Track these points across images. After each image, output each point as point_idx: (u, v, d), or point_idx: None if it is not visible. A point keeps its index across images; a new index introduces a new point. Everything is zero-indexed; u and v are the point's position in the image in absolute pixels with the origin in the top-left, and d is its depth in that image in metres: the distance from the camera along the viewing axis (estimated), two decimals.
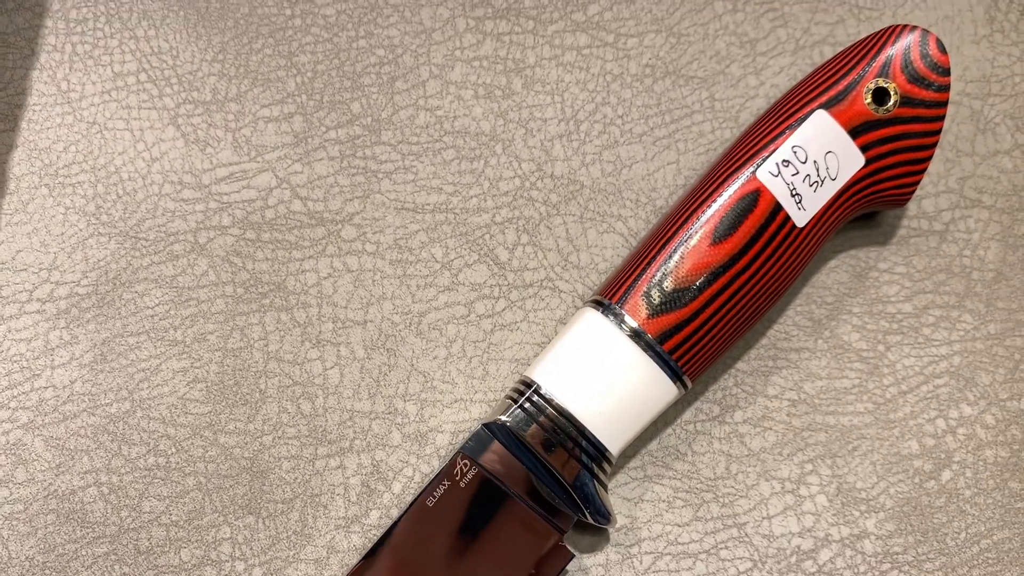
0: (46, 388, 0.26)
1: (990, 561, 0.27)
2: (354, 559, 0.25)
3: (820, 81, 0.28)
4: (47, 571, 0.25)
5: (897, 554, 0.27)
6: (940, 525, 0.27)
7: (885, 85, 0.27)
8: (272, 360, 0.27)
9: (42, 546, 0.25)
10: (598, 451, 0.25)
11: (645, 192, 0.30)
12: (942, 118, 0.28)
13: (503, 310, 0.28)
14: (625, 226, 0.29)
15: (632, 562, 0.26)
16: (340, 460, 0.26)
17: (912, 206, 0.30)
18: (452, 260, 0.28)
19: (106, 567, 0.25)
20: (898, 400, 0.28)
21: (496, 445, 0.26)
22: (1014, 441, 0.28)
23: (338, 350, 0.27)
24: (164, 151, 0.28)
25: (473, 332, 0.28)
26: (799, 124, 0.27)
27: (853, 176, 0.27)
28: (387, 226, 0.28)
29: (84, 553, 0.25)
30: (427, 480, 0.26)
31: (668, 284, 0.26)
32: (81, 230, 0.28)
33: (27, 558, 0.25)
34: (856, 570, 0.27)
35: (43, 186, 0.28)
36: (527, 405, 0.26)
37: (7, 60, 0.29)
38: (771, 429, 0.28)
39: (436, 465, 0.27)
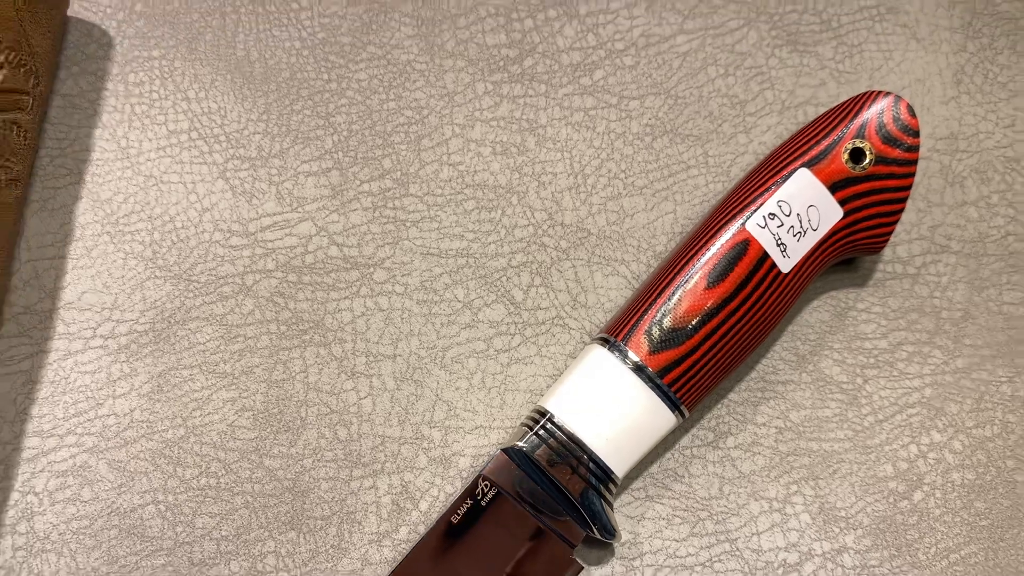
0: (108, 416, 0.29)
1: (958, 573, 0.29)
2: (385, 571, 0.28)
3: (803, 142, 0.30)
4: None
5: (874, 567, 0.29)
6: (912, 541, 0.30)
7: (861, 145, 0.30)
8: (312, 391, 0.30)
9: (106, 558, 0.28)
10: (604, 473, 0.28)
11: (646, 239, 0.32)
12: (913, 174, 0.30)
13: (518, 345, 0.31)
14: (628, 270, 0.32)
15: (635, 574, 0.29)
16: (373, 481, 0.29)
17: (887, 252, 0.32)
18: (472, 300, 0.31)
19: None
20: (875, 428, 0.31)
21: (513, 468, 0.28)
22: (979, 465, 0.30)
23: (371, 381, 0.30)
24: (214, 202, 0.31)
25: (492, 365, 0.30)
26: (784, 181, 0.30)
27: (833, 227, 0.30)
28: (414, 269, 0.31)
29: (144, 564, 0.28)
30: (451, 499, 0.28)
31: (667, 323, 0.28)
32: (139, 273, 0.30)
33: (93, 569, 0.27)
34: None
35: (105, 233, 0.30)
36: (541, 432, 0.28)
37: (72, 120, 0.31)
38: (760, 454, 0.30)
39: (459, 486, 0.29)
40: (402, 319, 0.30)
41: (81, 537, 0.28)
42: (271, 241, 0.30)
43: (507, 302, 0.31)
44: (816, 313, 0.31)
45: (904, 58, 0.34)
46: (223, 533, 0.28)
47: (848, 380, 0.31)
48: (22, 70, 0.28)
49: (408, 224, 0.31)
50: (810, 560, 0.29)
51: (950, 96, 0.34)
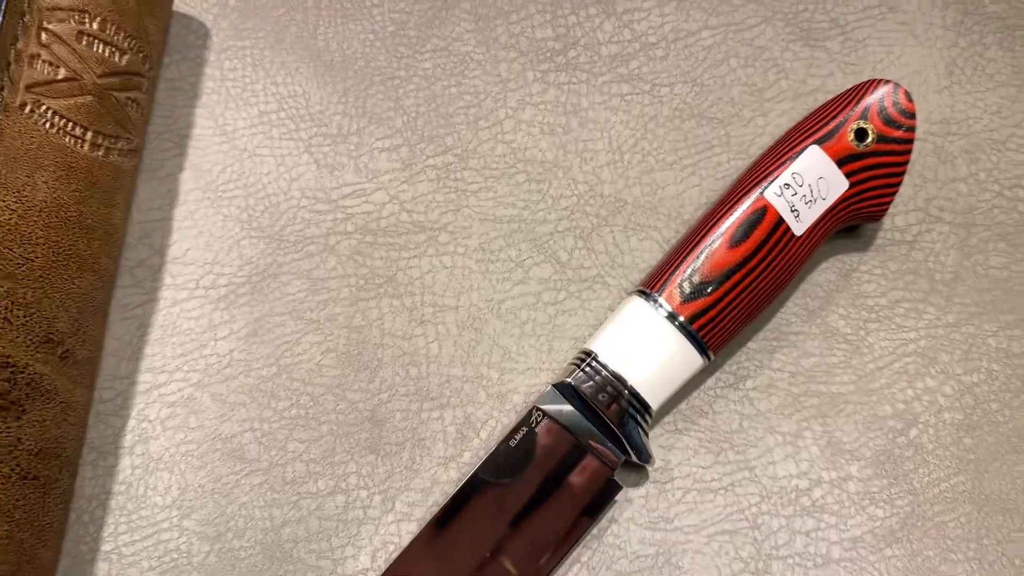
0: (211, 355, 0.33)
1: (947, 500, 0.33)
2: (451, 489, 0.32)
3: (814, 123, 0.35)
4: (215, 496, 0.32)
5: (874, 493, 0.33)
6: (908, 471, 0.33)
7: (865, 126, 0.34)
8: (386, 335, 0.34)
9: (211, 476, 0.32)
10: (642, 406, 0.32)
11: (675, 208, 0.36)
12: (909, 152, 0.34)
13: (564, 299, 0.35)
14: (659, 235, 0.36)
15: (666, 495, 0.33)
16: (440, 413, 0.33)
17: (887, 221, 0.36)
18: (524, 260, 0.35)
19: (260, 493, 0.32)
20: (875, 374, 0.35)
21: (562, 400, 0.32)
22: (967, 407, 0.34)
23: (437, 328, 0.34)
24: (300, 173, 0.35)
25: (540, 316, 0.35)
26: (797, 156, 0.34)
27: (839, 197, 0.34)
28: (473, 233, 0.35)
29: (243, 482, 0.32)
30: (507, 429, 0.33)
31: (696, 278, 0.32)
32: (236, 233, 0.34)
33: (199, 485, 0.32)
34: (842, 504, 0.33)
35: (205, 199, 0.35)
36: (587, 369, 0.32)
37: (176, 100, 0.36)
38: (775, 395, 0.34)
39: (514, 418, 0.33)
40: (463, 275, 0.34)
41: (189, 459, 0.32)
42: (350, 207, 0.35)
43: (554, 262, 0.35)
44: (824, 274, 0.35)
45: (903, 52, 0.38)
46: (311, 456, 0.32)
47: (852, 332, 0.35)
48: (140, 55, 0.32)
49: (468, 194, 0.35)
50: (819, 486, 0.33)
51: (943, 86, 0.38)
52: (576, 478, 0.32)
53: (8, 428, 0.27)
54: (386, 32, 0.36)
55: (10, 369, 0.27)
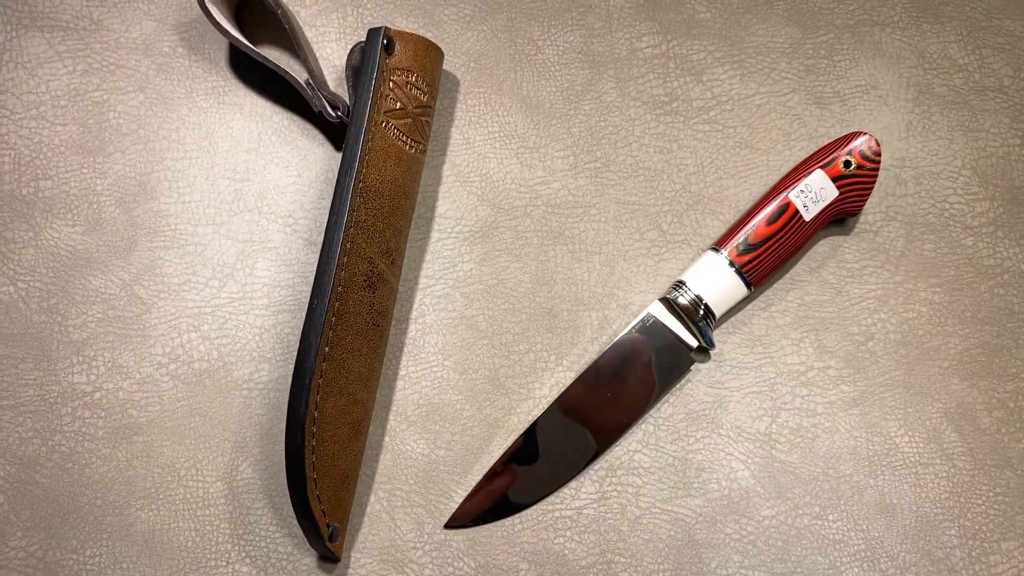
0: (459, 271, 0.54)
1: (887, 384, 0.54)
2: (595, 356, 0.53)
3: (820, 156, 0.55)
4: (462, 349, 0.53)
5: (844, 377, 0.53)
6: (866, 365, 0.54)
7: (850, 159, 0.55)
8: (559, 267, 0.55)
9: (459, 339, 0.53)
10: (710, 314, 0.53)
11: (734, 202, 0.57)
12: (876, 176, 0.53)
13: (664, 252, 0.56)
14: (723, 218, 0.56)
15: (720, 368, 0.53)
16: (588, 312, 0.54)
17: (862, 217, 0.57)
18: (640, 227, 0.56)
19: (487, 349, 0.53)
20: (849, 308, 0.55)
21: (664, 308, 0.54)
22: (904, 331, 0.54)
23: (587, 264, 0.55)
24: (511, 169, 0.56)
25: (650, 260, 0.55)
26: (809, 175, 0.54)
27: (832, 200, 0.54)
28: (610, 211, 0.56)
29: (477, 343, 0.53)
30: (630, 325, 0.54)
31: (746, 241, 0.53)
32: (473, 202, 0.56)
33: (454, 343, 0.53)
34: (824, 382, 0.53)
35: (457, 181, 0.56)
36: (679, 290, 0.53)
37: (442, 122, 0.56)
38: (788, 315, 0.55)
39: (633, 319, 0.54)
40: (604, 234, 0.55)
41: (447, 327, 0.53)
42: (539, 190, 0.56)
43: (659, 230, 0.56)
44: (821, 246, 0.56)
45: (879, 114, 0.59)
46: (515, 331, 0.53)
47: (836, 282, 0.55)
48: (430, 95, 0.54)
49: (608, 186, 0.57)
50: (811, 370, 0.54)
51: (902, 137, 0.58)
52: (668, 354, 0.53)
53: (370, 297, 0.49)
54: (562, 87, 0.58)
55: (370, 265, 0.49)
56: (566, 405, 0.51)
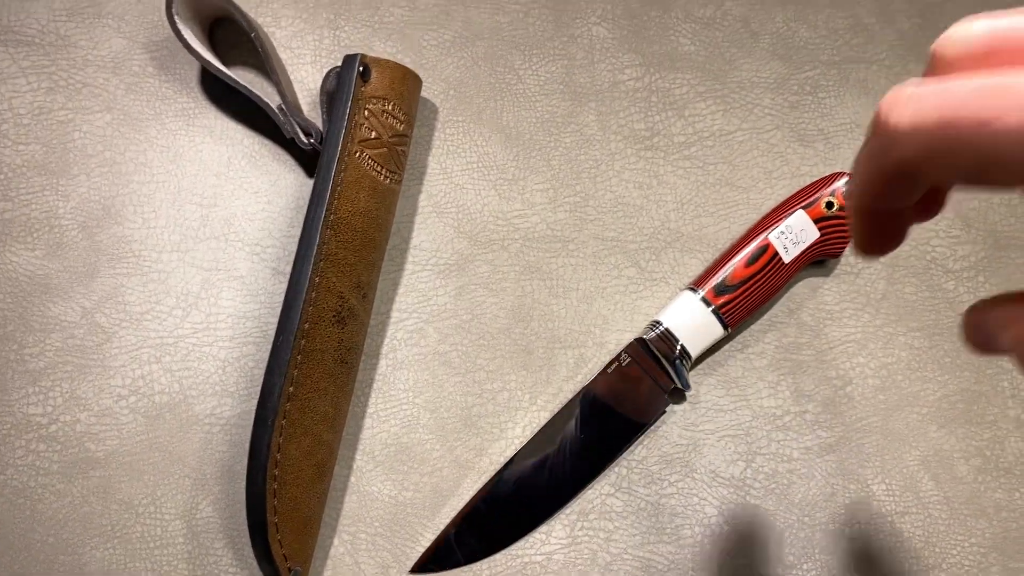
0: (433, 305, 0.53)
1: (865, 430, 0.53)
2: (571, 395, 0.52)
3: (802, 196, 0.54)
4: (433, 386, 0.52)
5: (821, 422, 0.53)
6: (843, 411, 0.53)
7: (832, 200, 0.54)
8: (535, 302, 0.54)
9: (431, 375, 0.52)
10: (686, 355, 0.52)
11: (713, 240, 0.56)
12: None
13: (642, 290, 0.55)
14: (701, 256, 0.56)
15: (696, 410, 0.52)
16: (564, 350, 0.53)
17: (843, 259, 0.56)
18: (618, 264, 0.55)
19: (459, 387, 0.52)
20: (827, 351, 0.55)
21: (639, 347, 0.52)
22: (883, 376, 0.54)
23: (564, 300, 0.54)
24: (489, 201, 0.55)
25: (627, 298, 0.55)
26: (790, 215, 0.54)
27: (814, 241, 0.54)
28: (589, 245, 0.55)
29: (450, 380, 0.52)
30: (605, 363, 0.53)
31: (724, 282, 0.52)
32: (450, 233, 0.54)
33: (424, 380, 0.52)
34: (801, 427, 0.53)
35: (433, 212, 0.55)
36: (655, 330, 0.52)
37: (418, 151, 0.55)
38: (765, 357, 0.54)
39: (608, 357, 0.53)
40: (581, 271, 0.54)
41: (418, 363, 0.52)
42: (517, 223, 0.55)
43: (638, 267, 0.55)
44: (800, 287, 0.55)
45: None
46: (490, 368, 0.52)
47: (815, 324, 0.55)
48: (407, 124, 0.52)
49: (587, 221, 0.55)
50: (787, 415, 0.53)
51: None
52: (643, 396, 0.52)
53: (338, 333, 0.47)
54: (543, 118, 0.56)
55: (340, 299, 0.48)
56: (538, 447, 0.50)
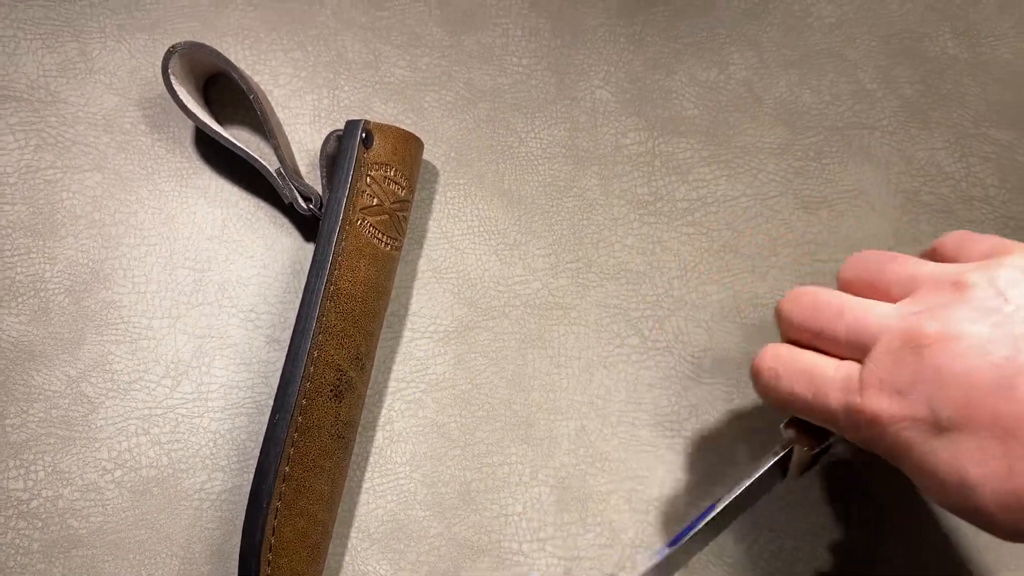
0: (432, 374, 0.51)
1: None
2: (574, 470, 0.50)
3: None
4: (431, 459, 0.50)
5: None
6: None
7: None
8: (536, 372, 0.52)
9: (430, 448, 0.50)
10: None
11: (718, 310, 0.55)
12: None
13: (645, 359, 0.54)
14: (705, 325, 0.55)
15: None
16: (565, 422, 0.51)
17: None
18: (620, 332, 0.54)
19: (459, 460, 0.50)
20: None
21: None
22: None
23: (566, 370, 0.52)
24: (490, 266, 0.54)
25: (631, 369, 0.53)
26: None
27: None
28: (591, 313, 0.54)
29: (449, 453, 0.50)
30: (606, 433, 0.51)
31: None
32: (449, 300, 0.53)
33: (423, 453, 0.50)
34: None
35: (433, 278, 0.53)
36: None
37: (419, 215, 0.54)
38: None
39: (612, 428, 0.52)
40: (584, 339, 0.53)
41: (417, 435, 0.50)
42: (518, 290, 0.53)
43: (640, 336, 0.54)
44: None
45: (867, 220, 0.57)
46: (489, 440, 0.50)
47: None
48: (408, 189, 0.51)
49: (589, 287, 0.54)
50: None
51: (890, 245, 0.57)
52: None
53: (335, 407, 0.46)
54: (545, 181, 0.55)
55: (339, 373, 0.46)
56: None
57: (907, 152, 0.57)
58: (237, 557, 0.45)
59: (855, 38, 0.60)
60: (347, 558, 0.47)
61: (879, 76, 0.59)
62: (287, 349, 0.45)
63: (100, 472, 0.47)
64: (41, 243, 0.50)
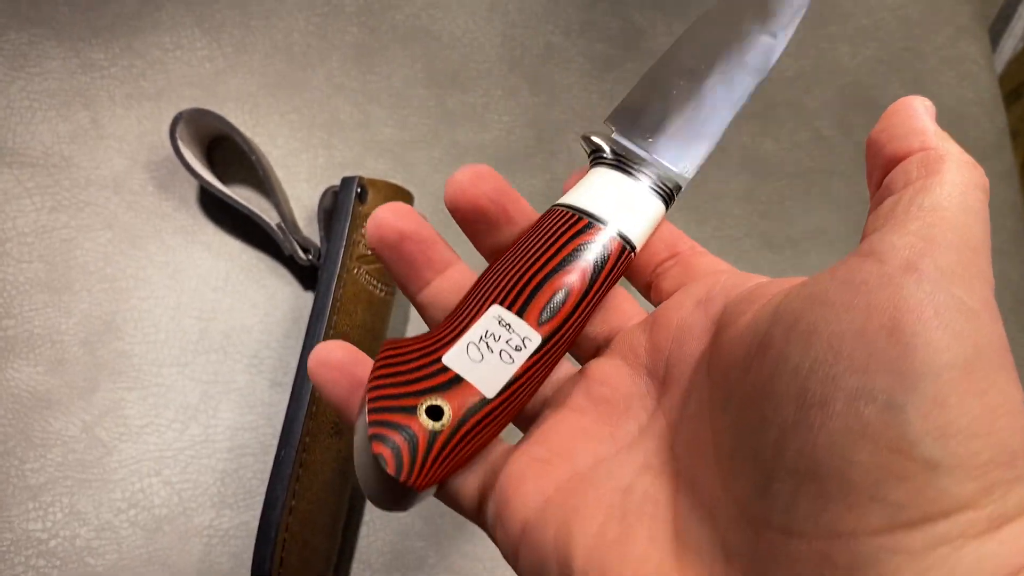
0: None
1: None
2: None
3: None
4: None
5: None
6: None
7: None
8: None
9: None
10: None
11: None
12: None
13: None
14: None
15: None
16: None
17: None
18: None
19: None
20: None
21: None
22: None
23: None
24: None
25: None
26: None
27: None
28: None
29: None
30: None
31: None
32: None
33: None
34: None
35: (423, 322, 0.57)
36: None
37: None
38: None
39: None
40: None
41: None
42: None
43: None
44: None
45: (828, 257, 0.62)
46: None
47: None
48: None
49: None
50: None
51: None
52: None
53: (337, 444, 0.49)
54: None
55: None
56: None
57: (864, 194, 0.62)
58: None
59: (812, 89, 0.65)
60: None
61: (836, 124, 0.64)
62: (290, 390, 0.49)
63: (115, 512, 0.50)
64: (57, 298, 0.53)
